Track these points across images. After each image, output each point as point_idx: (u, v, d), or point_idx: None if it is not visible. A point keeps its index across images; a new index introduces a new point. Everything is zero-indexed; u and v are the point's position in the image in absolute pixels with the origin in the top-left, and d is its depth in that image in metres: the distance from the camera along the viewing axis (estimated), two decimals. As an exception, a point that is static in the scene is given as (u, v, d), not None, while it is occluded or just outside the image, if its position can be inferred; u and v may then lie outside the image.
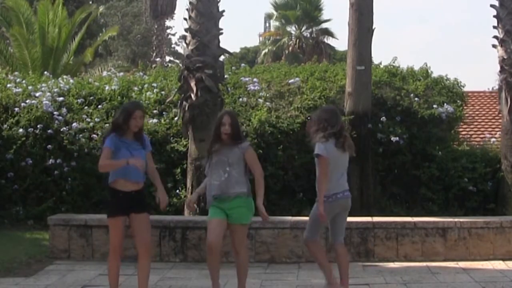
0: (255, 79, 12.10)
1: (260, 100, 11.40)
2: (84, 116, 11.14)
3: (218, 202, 6.17)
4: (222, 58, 10.53)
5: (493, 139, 12.99)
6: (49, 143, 10.86)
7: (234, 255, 6.34)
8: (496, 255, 8.23)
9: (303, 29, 32.87)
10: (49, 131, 10.87)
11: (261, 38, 40.62)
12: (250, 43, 75.85)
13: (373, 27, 10.92)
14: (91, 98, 11.61)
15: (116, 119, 6.08)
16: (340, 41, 35.40)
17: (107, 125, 10.99)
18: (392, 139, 10.92)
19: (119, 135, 5.98)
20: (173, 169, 10.84)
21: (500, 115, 11.64)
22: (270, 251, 8.33)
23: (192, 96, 9.73)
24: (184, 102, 9.89)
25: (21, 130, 10.79)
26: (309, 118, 7.14)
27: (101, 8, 24.10)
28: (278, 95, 11.73)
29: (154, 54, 31.75)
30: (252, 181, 6.24)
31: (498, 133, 13.52)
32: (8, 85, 11.77)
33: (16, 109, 11.11)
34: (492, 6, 11.01)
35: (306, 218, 8.66)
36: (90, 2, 29.99)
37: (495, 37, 10.94)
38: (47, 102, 11.10)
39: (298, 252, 8.28)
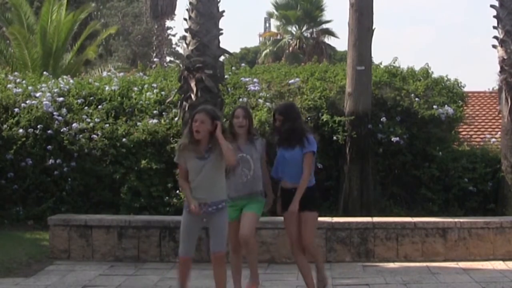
0: (255, 80, 12.09)
1: (260, 101, 11.40)
2: (84, 116, 11.14)
3: (236, 201, 6.20)
4: (222, 58, 10.52)
5: (493, 139, 13.00)
6: (49, 144, 10.86)
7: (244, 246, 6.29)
8: (496, 255, 8.22)
9: (303, 29, 32.87)
10: (49, 131, 10.87)
11: (261, 38, 40.60)
12: (250, 43, 76.04)
13: (373, 27, 10.93)
14: (91, 98, 11.61)
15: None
16: (341, 41, 35.53)
17: (107, 125, 11.01)
18: (392, 139, 10.92)
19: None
20: (173, 169, 10.81)
21: (500, 115, 11.64)
22: (270, 251, 8.32)
23: (192, 96, 9.72)
24: (184, 103, 9.89)
25: (21, 130, 10.79)
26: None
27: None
28: (278, 95, 11.72)
29: (154, 54, 31.72)
30: None
31: (498, 133, 13.52)
32: (8, 85, 11.77)
33: (16, 109, 11.11)
34: (492, 6, 11.01)
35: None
36: (91, 3, 29.94)
37: (495, 37, 10.94)
38: (47, 102, 11.10)
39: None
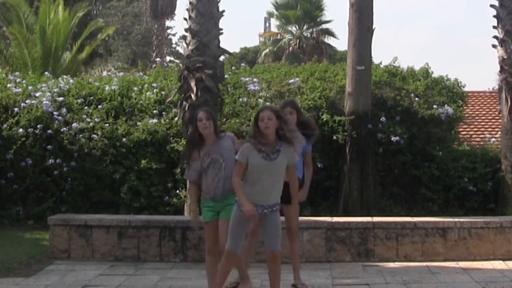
0: (255, 79, 12.09)
1: (260, 100, 11.39)
2: (84, 116, 11.14)
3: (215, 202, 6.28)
4: (222, 58, 10.52)
5: (493, 139, 12.98)
6: (49, 143, 10.86)
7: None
8: (496, 255, 8.22)
9: (303, 29, 32.85)
10: (49, 131, 10.87)
11: (261, 38, 40.58)
12: (250, 43, 76.02)
13: (373, 27, 10.92)
14: (91, 98, 11.61)
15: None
16: (341, 41, 35.46)
17: (107, 125, 11.01)
18: (392, 139, 10.92)
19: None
20: (173, 169, 10.84)
21: (500, 115, 11.63)
22: (270, 251, 8.30)
23: (192, 96, 9.72)
24: (184, 102, 9.89)
25: (21, 130, 10.79)
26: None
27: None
28: (278, 95, 11.72)
29: (154, 54, 31.69)
30: None
31: (498, 133, 13.52)
32: (8, 85, 11.77)
33: (16, 109, 11.11)
34: (492, 6, 11.01)
35: (306, 218, 8.63)
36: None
37: (495, 37, 10.94)
38: (47, 102, 11.10)
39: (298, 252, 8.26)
